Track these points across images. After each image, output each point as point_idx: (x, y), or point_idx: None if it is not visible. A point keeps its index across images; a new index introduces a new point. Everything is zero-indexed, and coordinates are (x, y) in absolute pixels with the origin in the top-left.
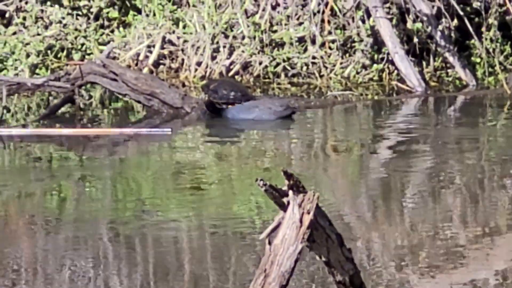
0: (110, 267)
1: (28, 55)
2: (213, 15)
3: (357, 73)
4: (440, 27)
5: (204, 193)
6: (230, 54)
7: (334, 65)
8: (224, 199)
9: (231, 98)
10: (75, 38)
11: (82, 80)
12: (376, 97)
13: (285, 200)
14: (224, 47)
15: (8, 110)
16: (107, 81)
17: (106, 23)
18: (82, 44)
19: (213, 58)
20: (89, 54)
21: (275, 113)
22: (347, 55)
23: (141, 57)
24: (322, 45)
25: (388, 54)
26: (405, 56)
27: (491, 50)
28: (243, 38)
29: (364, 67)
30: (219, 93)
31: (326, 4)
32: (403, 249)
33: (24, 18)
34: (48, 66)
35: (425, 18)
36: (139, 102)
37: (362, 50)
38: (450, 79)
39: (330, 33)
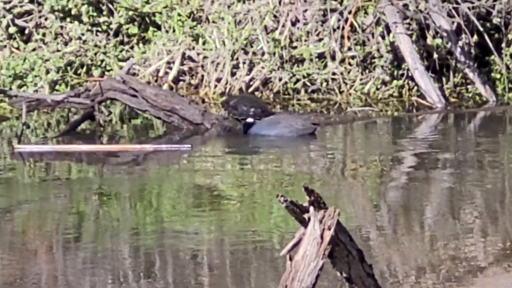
0: (130, 282)
1: (47, 72)
2: (233, 31)
3: (377, 89)
4: (460, 43)
5: (224, 208)
6: (250, 70)
7: (354, 81)
8: (244, 215)
9: (251, 114)
10: (95, 54)
11: (102, 96)
12: (396, 113)
13: (306, 216)
14: (244, 63)
15: (28, 127)
16: (127, 97)
17: (125, 39)
18: (102, 61)
19: (233, 74)
20: (109, 71)
21: (297, 131)
22: (367, 71)
23: (161, 73)
24: (342, 61)
25: (408, 70)
26: (425, 72)
27: (511, 66)
28: (263, 54)
29: (384, 83)
30: (239, 109)
31: (346, 20)
32: (423, 264)
33: (44, 34)
34: (68, 82)
35: (445, 34)
36: (159, 118)
37: (382, 66)
38: (470, 95)
39: (350, 49)
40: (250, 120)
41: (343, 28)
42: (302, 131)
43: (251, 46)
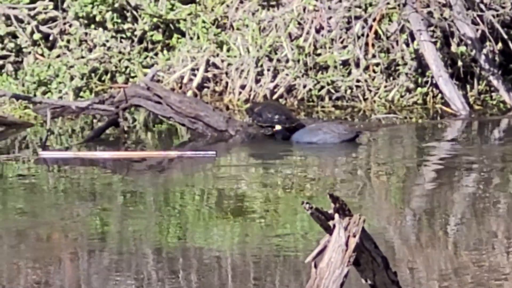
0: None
1: (72, 78)
2: (257, 38)
3: (401, 96)
4: (484, 51)
5: (248, 215)
6: (274, 77)
7: (378, 88)
8: (269, 222)
9: (276, 121)
10: (119, 61)
11: (126, 103)
12: (420, 121)
13: (331, 223)
14: (268, 70)
15: (52, 133)
16: (151, 104)
17: (150, 46)
18: (126, 67)
19: (257, 81)
20: (133, 77)
21: (339, 136)
22: (391, 78)
23: (185, 80)
24: (366, 68)
25: (432, 77)
26: (449, 80)
27: None
28: (287, 61)
29: (408, 90)
30: (263, 116)
31: (370, 28)
32: (447, 271)
33: (68, 41)
34: (92, 89)
35: (469, 42)
36: (183, 125)
37: (406, 74)
38: (494, 102)
39: (374, 56)
40: (278, 127)
41: (367, 35)
42: (344, 136)
43: (276, 53)
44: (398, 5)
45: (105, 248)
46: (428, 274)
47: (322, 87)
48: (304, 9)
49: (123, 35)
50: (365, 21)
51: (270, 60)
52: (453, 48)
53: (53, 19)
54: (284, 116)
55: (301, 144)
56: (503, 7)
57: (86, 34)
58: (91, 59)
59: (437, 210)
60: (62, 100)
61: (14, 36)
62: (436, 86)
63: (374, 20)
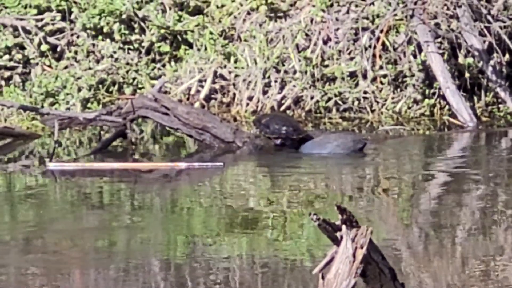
0: None
1: (79, 89)
2: (265, 50)
3: (409, 108)
4: (491, 62)
5: (255, 226)
6: (282, 88)
7: (386, 100)
8: (276, 233)
9: (283, 133)
10: (127, 72)
11: (134, 114)
12: (427, 132)
13: (338, 234)
14: (275, 81)
15: (60, 144)
16: (158, 115)
17: (157, 57)
18: (134, 78)
19: (265, 92)
20: (140, 88)
21: (349, 147)
22: (399, 90)
23: (192, 92)
24: (374, 79)
25: (439, 89)
26: (456, 91)
27: None
28: (295, 72)
29: (416, 102)
30: (270, 128)
31: (378, 39)
32: (454, 283)
33: (76, 52)
34: (100, 100)
35: (476, 53)
36: (190, 136)
37: (414, 85)
38: (501, 114)
39: (381, 67)
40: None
41: (374, 47)
42: (353, 146)
43: (283, 65)
44: (406, 17)
45: (113, 259)
46: (436, 286)
47: (330, 99)
48: (311, 21)
49: (131, 47)
50: (373, 32)
51: (278, 71)
52: (461, 59)
53: (61, 30)
54: (291, 127)
55: (309, 155)
56: (511, 19)
57: (93, 45)
58: (98, 70)
59: (445, 222)
60: (70, 112)
61: (21, 47)
62: (443, 97)
63: (381, 31)
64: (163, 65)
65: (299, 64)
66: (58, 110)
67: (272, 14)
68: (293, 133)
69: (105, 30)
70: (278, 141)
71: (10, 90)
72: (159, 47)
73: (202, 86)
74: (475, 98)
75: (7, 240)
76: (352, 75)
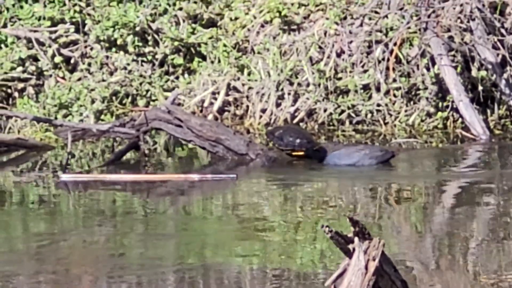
0: None
1: (93, 101)
2: (278, 62)
3: (422, 120)
4: (505, 75)
5: (268, 238)
6: (295, 101)
7: (399, 113)
8: (289, 245)
9: (297, 145)
10: (140, 84)
11: (147, 126)
12: (440, 145)
13: (350, 246)
14: (289, 94)
15: (73, 156)
16: (172, 127)
17: (171, 69)
18: (147, 91)
19: (278, 105)
20: (154, 101)
21: (376, 158)
22: (412, 102)
23: (206, 104)
24: (387, 92)
25: (452, 102)
26: (469, 104)
27: None
28: (308, 85)
29: (429, 114)
30: (284, 140)
31: (391, 52)
32: None
33: (89, 64)
34: (113, 112)
35: (489, 66)
36: (204, 148)
37: (427, 98)
38: None
39: (394, 80)
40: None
41: (388, 59)
42: (381, 157)
43: (296, 77)
44: (419, 30)
45: (126, 271)
46: None
47: (343, 111)
48: (325, 33)
49: (144, 59)
50: (386, 45)
51: (291, 84)
52: (474, 72)
53: (75, 42)
54: (305, 139)
55: (323, 167)
56: None
57: (107, 57)
58: (112, 82)
59: (457, 234)
60: (83, 123)
61: (35, 59)
62: (456, 110)
63: (395, 44)
64: (177, 77)
65: (312, 77)
66: (71, 121)
67: (286, 27)
68: (307, 145)
69: (118, 42)
70: (301, 153)
71: (24, 101)
72: (172, 59)
73: (216, 98)
74: (488, 111)
75: (20, 250)
76: (366, 87)
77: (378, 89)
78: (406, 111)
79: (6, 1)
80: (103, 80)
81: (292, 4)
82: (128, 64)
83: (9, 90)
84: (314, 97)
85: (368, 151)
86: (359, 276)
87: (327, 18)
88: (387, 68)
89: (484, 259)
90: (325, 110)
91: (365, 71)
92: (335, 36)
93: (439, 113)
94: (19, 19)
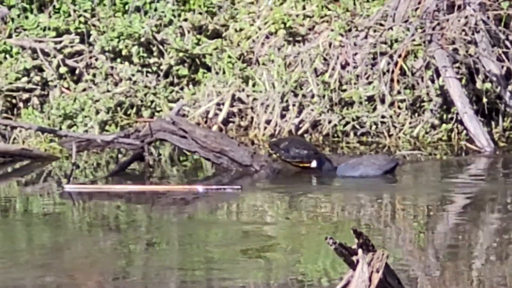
0: None
1: (97, 112)
2: (283, 74)
3: (426, 132)
4: (509, 87)
5: (272, 250)
6: (300, 112)
7: (403, 125)
8: (293, 256)
9: (305, 157)
10: (145, 95)
11: (152, 137)
12: (445, 157)
13: (354, 258)
14: (293, 105)
15: (78, 167)
16: (176, 138)
17: (176, 80)
18: (152, 101)
19: (283, 116)
20: (158, 111)
21: (380, 168)
22: (416, 114)
23: (210, 115)
24: (392, 104)
25: (457, 114)
26: (474, 116)
27: None
28: (313, 96)
29: (433, 126)
30: (291, 152)
31: (396, 64)
32: None
33: (94, 75)
34: (118, 123)
35: (494, 79)
36: (208, 159)
37: (431, 110)
38: None
39: (399, 92)
40: (314, 164)
41: (392, 71)
42: (385, 166)
43: (301, 89)
44: (424, 42)
45: (130, 282)
46: None
47: (347, 123)
48: (330, 45)
49: (149, 69)
50: (391, 57)
51: (296, 95)
52: (478, 85)
53: (79, 53)
54: (312, 151)
55: (341, 178)
56: None
57: (112, 68)
58: (116, 93)
59: (461, 247)
60: (88, 134)
61: (40, 69)
62: (461, 122)
63: (399, 56)
64: (181, 88)
65: (317, 88)
66: (76, 132)
67: (291, 38)
68: (315, 156)
69: (123, 53)
70: (314, 164)
71: (29, 112)
72: (177, 70)
73: (220, 110)
74: (493, 123)
75: (23, 261)
76: (370, 99)
77: (382, 101)
78: (410, 123)
79: (11, 11)
80: (108, 91)
81: (297, 16)
82: (133, 75)
83: (14, 101)
84: (318, 109)
85: (373, 160)
86: None
87: (332, 30)
88: (392, 80)
89: (488, 271)
90: (329, 122)
91: (369, 83)
92: (340, 48)
93: (444, 125)
94: (24, 30)
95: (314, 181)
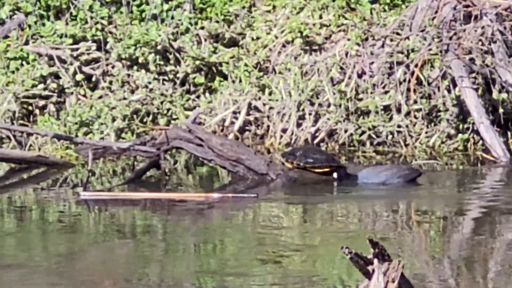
0: None
1: (114, 119)
2: (299, 82)
3: (442, 142)
4: None
5: (288, 259)
6: (316, 121)
7: (419, 134)
8: (308, 265)
9: (324, 161)
10: (161, 103)
11: (168, 145)
12: (460, 167)
13: (370, 268)
14: (309, 114)
15: (94, 174)
16: (192, 146)
17: (192, 88)
18: (168, 109)
19: (299, 125)
20: (175, 119)
21: (404, 176)
22: (433, 124)
23: (226, 123)
24: (408, 114)
25: (473, 124)
26: (490, 126)
27: None
28: (329, 105)
29: (449, 136)
30: (308, 158)
31: (412, 73)
32: None
33: (111, 82)
34: (134, 130)
35: (510, 89)
36: (224, 168)
37: (448, 120)
38: None
39: (415, 102)
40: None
41: (409, 81)
42: (409, 175)
43: (317, 97)
44: (440, 52)
45: None
46: None
47: (363, 132)
48: (346, 54)
49: (166, 77)
50: (407, 66)
51: (312, 104)
52: (495, 95)
53: (96, 60)
54: (329, 157)
55: (358, 186)
56: None
57: (128, 75)
58: (133, 100)
59: (477, 257)
60: (104, 141)
61: (56, 76)
62: (477, 132)
63: (416, 66)
64: (198, 96)
65: (333, 97)
66: (92, 139)
67: (307, 47)
68: (333, 162)
69: (140, 60)
70: (335, 175)
71: (45, 119)
72: (194, 78)
73: (236, 118)
74: (509, 133)
75: (39, 267)
76: (386, 109)
77: (399, 110)
78: (426, 132)
79: (28, 18)
80: (124, 98)
81: (314, 25)
82: (150, 83)
83: (30, 107)
84: (335, 118)
85: (396, 170)
86: None
87: (348, 39)
88: (408, 90)
89: (505, 282)
90: (345, 131)
91: (386, 92)
92: (356, 57)
93: (460, 135)
94: (41, 37)
95: (331, 190)
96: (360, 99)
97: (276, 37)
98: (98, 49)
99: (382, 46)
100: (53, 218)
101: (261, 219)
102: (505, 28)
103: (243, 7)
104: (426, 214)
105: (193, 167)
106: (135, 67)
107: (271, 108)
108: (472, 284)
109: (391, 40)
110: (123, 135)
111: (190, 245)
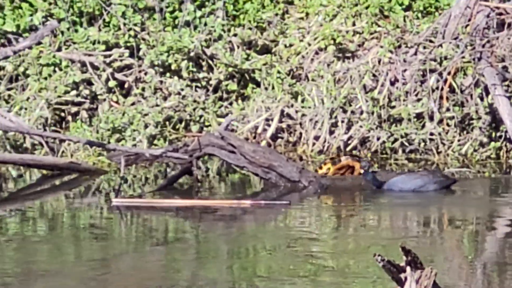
0: None
1: (146, 126)
2: (332, 90)
3: (475, 150)
4: None
5: (320, 266)
6: (348, 128)
7: (452, 142)
8: (340, 273)
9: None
10: (194, 109)
11: (200, 152)
12: (493, 175)
13: (402, 276)
14: (342, 121)
15: (126, 181)
16: (225, 153)
17: (225, 95)
18: (201, 116)
19: (331, 132)
20: (207, 126)
21: (440, 183)
22: (465, 132)
23: (259, 130)
24: (440, 121)
25: (506, 132)
26: None
27: None
28: (362, 113)
29: (482, 144)
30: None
31: (445, 81)
32: None
33: (143, 89)
34: (166, 137)
35: None
36: (256, 174)
37: (480, 128)
38: None
39: (448, 109)
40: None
41: (442, 88)
42: (445, 182)
43: (350, 105)
44: (473, 59)
45: None
46: None
47: (396, 140)
48: (379, 61)
49: (198, 84)
50: (440, 74)
51: (345, 111)
52: None
53: (129, 67)
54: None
55: (391, 192)
56: None
57: (161, 82)
58: (165, 107)
59: (509, 265)
60: (136, 148)
61: (89, 83)
62: (509, 140)
63: (449, 73)
64: (230, 103)
65: (366, 105)
66: (124, 146)
67: (340, 54)
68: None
69: (173, 67)
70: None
71: (77, 125)
72: (226, 85)
73: (269, 125)
74: None
75: (71, 274)
76: (419, 116)
77: (431, 118)
78: (459, 140)
79: (61, 24)
80: (157, 105)
81: (347, 32)
82: (182, 89)
83: (62, 114)
84: (367, 125)
85: (432, 176)
86: None
87: (381, 46)
88: (441, 97)
89: None
90: (378, 138)
91: (418, 100)
92: (389, 64)
93: (492, 143)
94: (74, 43)
95: (363, 197)
96: (393, 107)
97: (309, 44)
98: (131, 55)
99: (415, 53)
100: (85, 224)
101: (293, 226)
102: None
103: (276, 14)
104: (459, 222)
105: (226, 174)
106: (167, 74)
107: (303, 115)
108: None
109: (424, 47)
110: (155, 141)
111: (222, 252)
